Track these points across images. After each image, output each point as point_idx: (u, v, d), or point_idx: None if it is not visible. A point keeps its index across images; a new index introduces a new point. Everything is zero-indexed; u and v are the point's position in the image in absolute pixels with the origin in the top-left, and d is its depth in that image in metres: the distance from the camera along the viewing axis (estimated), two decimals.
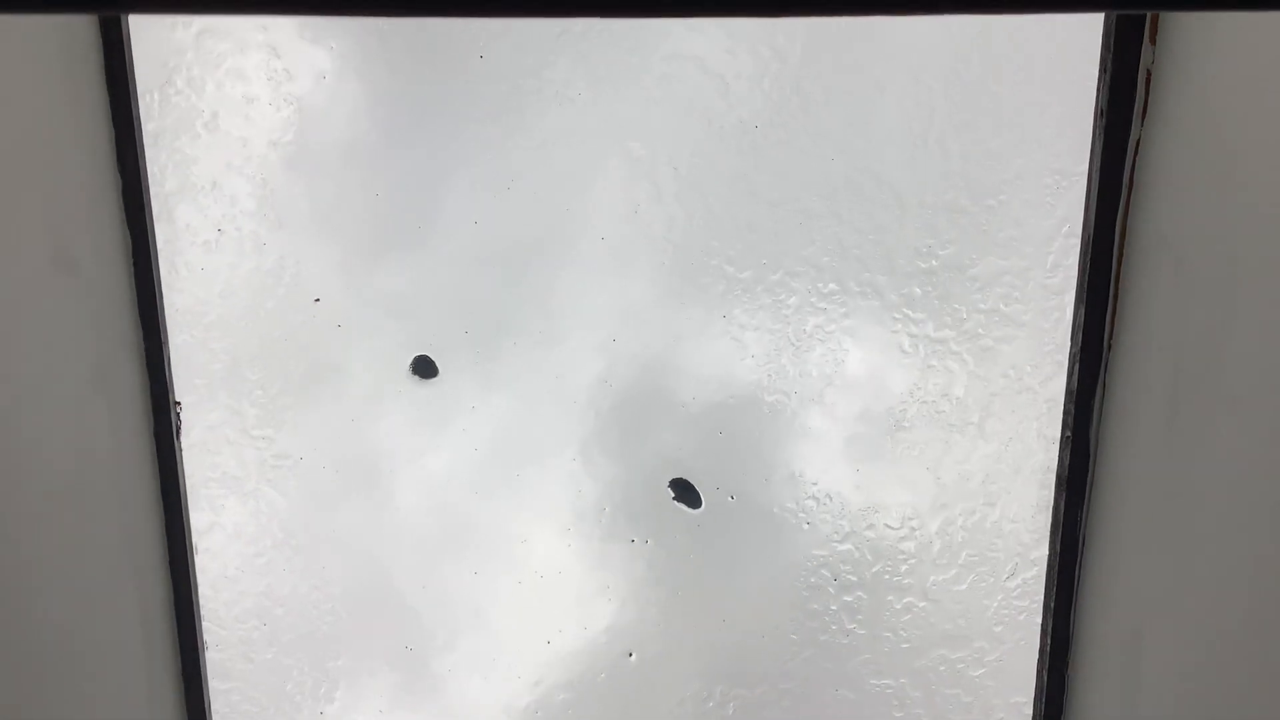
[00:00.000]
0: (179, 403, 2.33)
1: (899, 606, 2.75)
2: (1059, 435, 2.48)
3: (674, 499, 2.66)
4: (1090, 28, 2.15)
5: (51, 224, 1.86)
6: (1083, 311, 2.36)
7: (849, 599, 2.73)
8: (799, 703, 2.80)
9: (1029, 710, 2.75)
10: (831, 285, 2.45)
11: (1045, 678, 2.64)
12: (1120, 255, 2.27)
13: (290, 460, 2.61)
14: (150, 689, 2.36)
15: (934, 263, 2.45)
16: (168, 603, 2.41)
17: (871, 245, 2.47)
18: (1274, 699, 1.73)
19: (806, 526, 2.66)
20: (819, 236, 2.46)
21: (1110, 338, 2.33)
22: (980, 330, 2.49)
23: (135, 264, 2.11)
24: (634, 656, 2.75)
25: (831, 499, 2.67)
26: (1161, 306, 2.15)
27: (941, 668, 2.79)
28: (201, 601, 2.53)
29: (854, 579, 2.72)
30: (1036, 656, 2.67)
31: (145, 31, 2.08)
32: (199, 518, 2.49)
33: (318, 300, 2.50)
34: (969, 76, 2.37)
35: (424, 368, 2.54)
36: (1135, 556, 2.25)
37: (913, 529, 2.68)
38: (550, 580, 2.75)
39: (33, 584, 1.92)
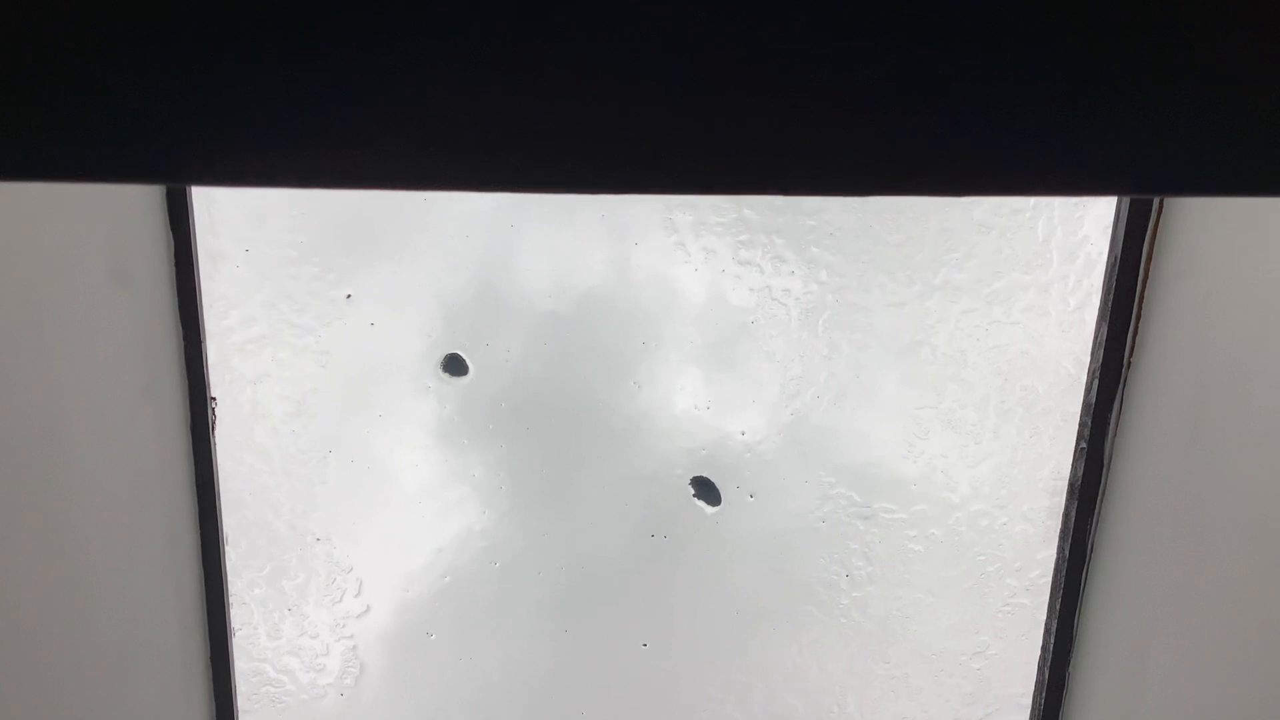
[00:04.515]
0: (214, 398, 2.36)
1: (907, 600, 2.84)
2: (1073, 446, 2.55)
3: (693, 496, 2.72)
4: None
5: (108, 237, 1.88)
6: (1105, 329, 2.42)
7: (859, 594, 2.82)
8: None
9: (1028, 701, 2.85)
10: (859, 296, 2.50)
11: (1046, 674, 2.74)
12: (1146, 277, 2.32)
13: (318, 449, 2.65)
14: (184, 674, 2.42)
15: (958, 275, 2.50)
16: (199, 591, 2.46)
17: (896, 255, 2.51)
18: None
19: (822, 524, 2.74)
20: (845, 246, 2.50)
21: (1130, 355, 2.39)
22: (1002, 341, 2.54)
23: (177, 266, 2.13)
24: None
25: (858, 501, 2.74)
26: (1185, 330, 2.21)
27: (945, 658, 2.89)
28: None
29: (865, 572, 2.81)
30: (1039, 653, 2.78)
31: None
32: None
33: (349, 296, 2.52)
34: None
35: (454, 365, 2.57)
36: (1144, 569, 2.33)
37: (924, 527, 2.76)
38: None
39: (83, 567, 1.96)
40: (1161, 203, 2.27)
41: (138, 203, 2.03)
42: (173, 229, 2.13)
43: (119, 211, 1.95)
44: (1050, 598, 2.71)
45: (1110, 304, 2.39)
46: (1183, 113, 0.71)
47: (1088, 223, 2.42)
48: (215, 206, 2.33)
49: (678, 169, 0.69)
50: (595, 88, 0.68)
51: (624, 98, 0.68)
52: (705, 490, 2.72)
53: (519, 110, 0.68)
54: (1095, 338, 2.44)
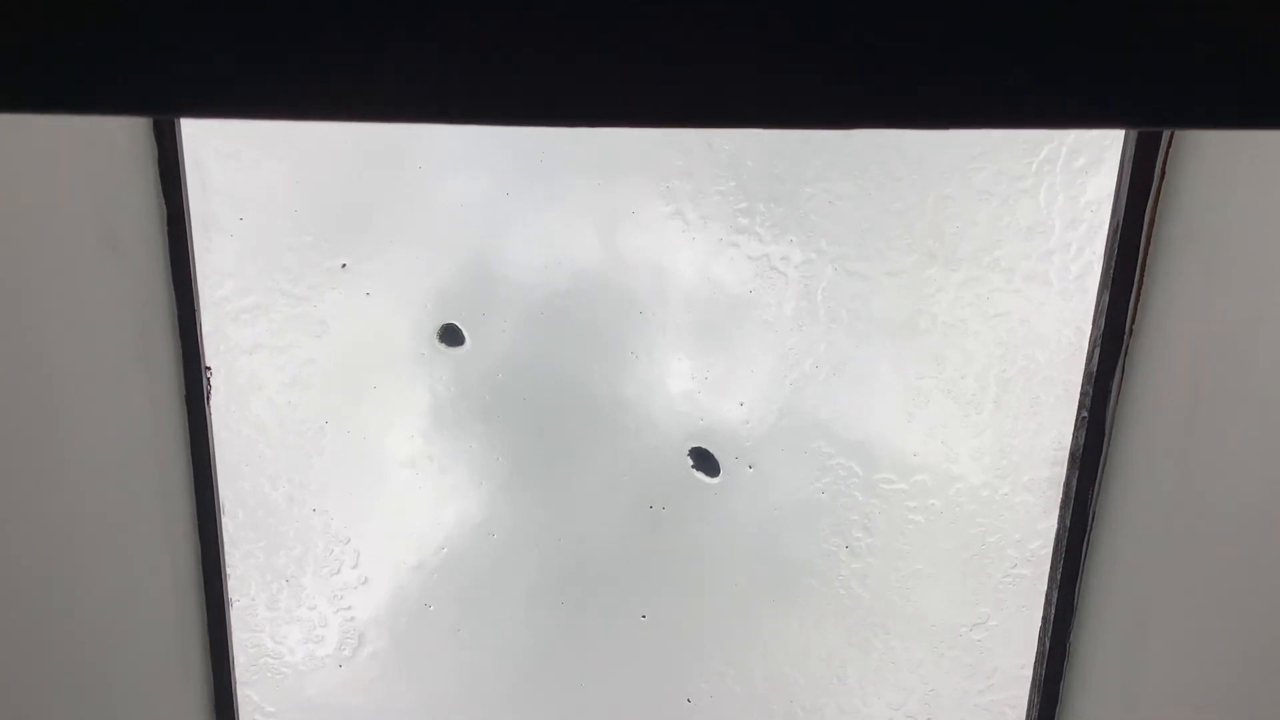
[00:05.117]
0: (209, 367, 2.34)
1: (907, 571, 2.84)
2: (1074, 415, 2.54)
3: (692, 467, 2.71)
4: None
5: (98, 202, 1.86)
6: (1106, 297, 2.40)
7: (859, 565, 2.81)
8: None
9: (1028, 672, 2.85)
10: (859, 265, 2.48)
11: (1048, 644, 2.73)
12: (1148, 244, 2.30)
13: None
14: (182, 646, 2.41)
15: (961, 245, 2.48)
16: (196, 562, 2.45)
17: (897, 223, 2.49)
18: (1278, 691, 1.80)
19: (822, 495, 2.72)
20: (845, 214, 2.47)
21: (1132, 324, 2.37)
22: (1003, 310, 2.52)
23: (170, 233, 2.11)
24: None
25: (858, 472, 2.73)
26: (1187, 298, 2.19)
27: (945, 629, 2.89)
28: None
29: (864, 544, 2.80)
30: (1039, 624, 2.77)
31: None
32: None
33: (344, 265, 2.50)
34: None
35: (451, 335, 2.55)
36: (1145, 539, 2.32)
37: (924, 498, 2.75)
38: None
39: (79, 540, 1.95)
40: (1164, 168, 2.24)
41: (129, 169, 2.01)
42: (165, 196, 2.11)
43: (110, 178, 1.93)
44: (1051, 568, 2.70)
45: (1112, 271, 2.37)
46: (1191, 42, 0.69)
47: (1090, 189, 2.39)
48: (207, 173, 2.31)
49: (656, 100, 0.67)
50: (574, 18, 0.66)
51: (599, 25, 0.66)
52: (704, 461, 2.71)
53: (503, 41, 0.66)
54: (1097, 306, 2.42)
